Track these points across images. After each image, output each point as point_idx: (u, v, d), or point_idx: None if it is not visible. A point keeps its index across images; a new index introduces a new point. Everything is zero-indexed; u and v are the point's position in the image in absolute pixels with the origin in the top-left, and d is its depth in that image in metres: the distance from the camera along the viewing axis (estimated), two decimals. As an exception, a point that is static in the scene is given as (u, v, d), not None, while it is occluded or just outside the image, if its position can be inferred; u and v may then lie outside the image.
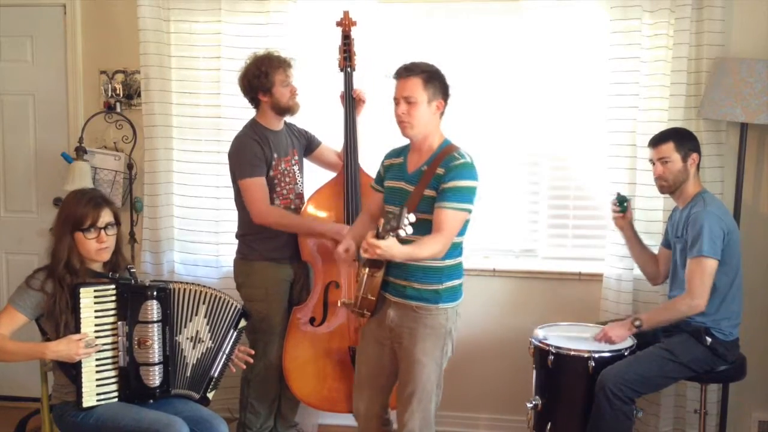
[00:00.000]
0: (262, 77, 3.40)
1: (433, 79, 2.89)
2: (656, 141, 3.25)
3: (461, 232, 2.90)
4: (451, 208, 2.78)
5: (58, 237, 2.79)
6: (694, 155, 3.20)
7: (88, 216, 2.77)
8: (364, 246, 2.67)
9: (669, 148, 3.20)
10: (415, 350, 2.89)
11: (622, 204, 3.46)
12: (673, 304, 3.16)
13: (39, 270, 2.81)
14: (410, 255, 2.76)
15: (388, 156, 3.11)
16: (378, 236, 2.64)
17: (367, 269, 2.89)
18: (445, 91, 2.93)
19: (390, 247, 2.64)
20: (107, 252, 2.84)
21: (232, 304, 3.00)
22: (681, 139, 3.21)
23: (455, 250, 2.92)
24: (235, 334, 3.00)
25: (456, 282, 2.95)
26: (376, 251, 2.63)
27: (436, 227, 2.80)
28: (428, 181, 2.85)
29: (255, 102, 3.50)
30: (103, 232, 2.80)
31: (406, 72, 2.89)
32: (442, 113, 2.96)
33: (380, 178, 3.11)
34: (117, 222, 2.87)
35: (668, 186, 3.25)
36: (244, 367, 3.11)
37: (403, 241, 2.73)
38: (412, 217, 2.61)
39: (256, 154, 3.40)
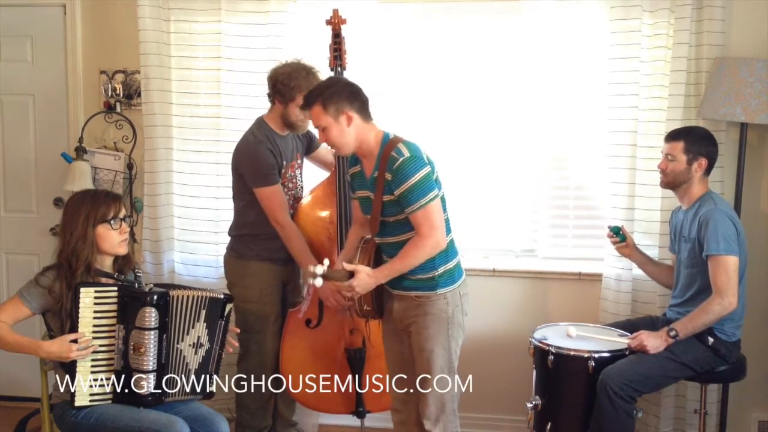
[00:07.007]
0: (287, 88, 3.35)
1: (329, 97, 2.78)
2: (670, 136, 3.25)
3: (444, 209, 2.86)
4: (419, 207, 2.74)
5: (81, 235, 2.77)
6: (702, 160, 3.17)
7: (111, 208, 2.82)
8: (342, 302, 2.81)
9: (677, 147, 3.19)
10: (420, 339, 2.91)
11: (618, 233, 3.45)
12: (706, 307, 3.06)
13: (49, 268, 2.80)
14: (396, 271, 2.81)
15: (349, 166, 3.05)
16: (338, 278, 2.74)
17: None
18: (349, 98, 2.81)
19: (365, 284, 2.75)
20: (126, 244, 2.88)
21: (221, 299, 2.96)
22: (693, 141, 3.18)
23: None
24: (224, 323, 2.98)
25: (451, 264, 2.91)
26: (353, 293, 2.76)
27: (417, 231, 2.78)
28: (383, 188, 2.81)
29: (271, 100, 3.47)
30: (124, 223, 2.86)
31: (306, 104, 2.84)
32: (365, 115, 2.85)
33: (352, 187, 3.08)
34: (129, 215, 2.94)
35: (667, 182, 3.26)
36: (237, 344, 3.09)
37: (381, 259, 2.92)
38: (320, 269, 2.66)
39: (271, 163, 3.38)
